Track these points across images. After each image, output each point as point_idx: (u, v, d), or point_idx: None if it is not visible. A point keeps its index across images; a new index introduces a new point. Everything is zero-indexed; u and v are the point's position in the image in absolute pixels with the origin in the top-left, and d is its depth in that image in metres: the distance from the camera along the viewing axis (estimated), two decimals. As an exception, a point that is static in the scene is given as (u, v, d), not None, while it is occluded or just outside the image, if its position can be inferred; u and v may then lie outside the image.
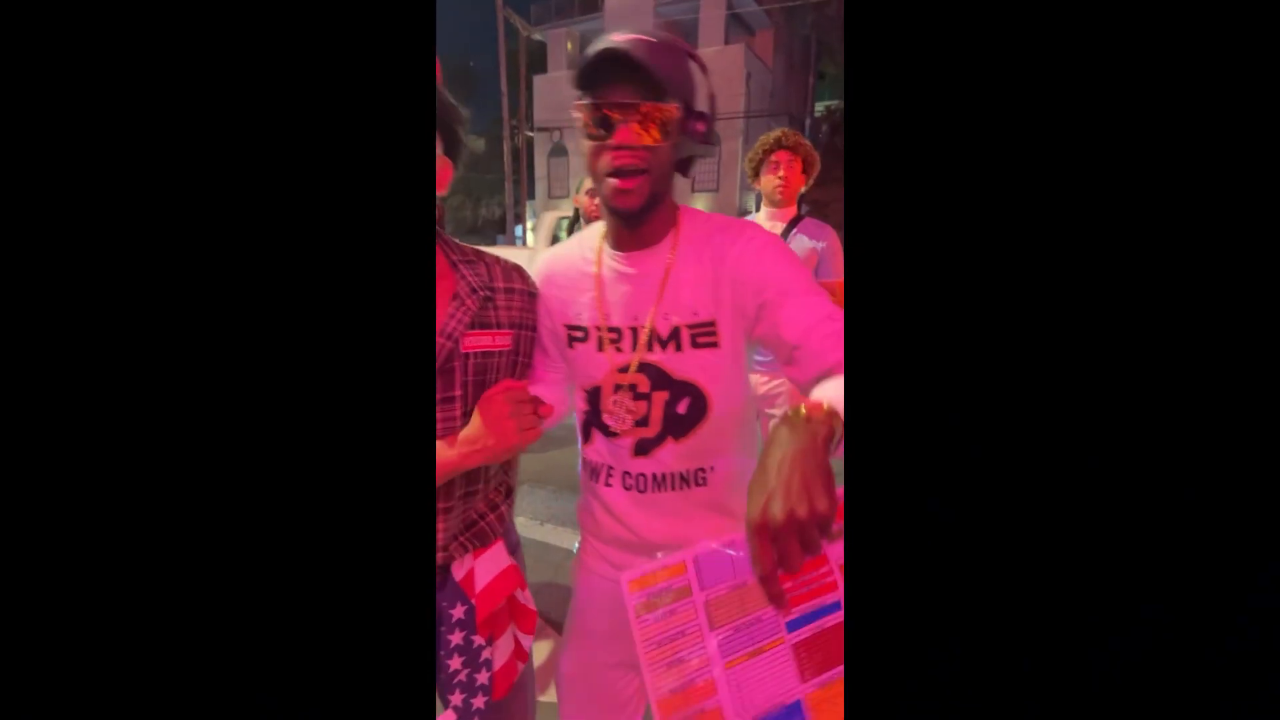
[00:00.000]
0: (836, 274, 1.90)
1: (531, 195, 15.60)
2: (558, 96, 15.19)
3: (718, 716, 0.55)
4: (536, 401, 0.77)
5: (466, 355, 0.76)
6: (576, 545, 0.97)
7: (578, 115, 0.73)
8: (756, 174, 1.96)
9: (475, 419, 0.74)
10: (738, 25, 14.87)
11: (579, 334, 0.84)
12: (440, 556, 0.78)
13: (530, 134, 14.55)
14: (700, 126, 0.75)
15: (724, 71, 13.52)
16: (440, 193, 0.76)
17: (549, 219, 5.04)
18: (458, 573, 0.78)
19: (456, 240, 0.84)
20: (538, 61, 16.28)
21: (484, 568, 0.78)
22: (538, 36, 16.21)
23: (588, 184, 2.15)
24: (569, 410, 0.92)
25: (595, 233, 0.86)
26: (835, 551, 0.56)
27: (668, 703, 0.55)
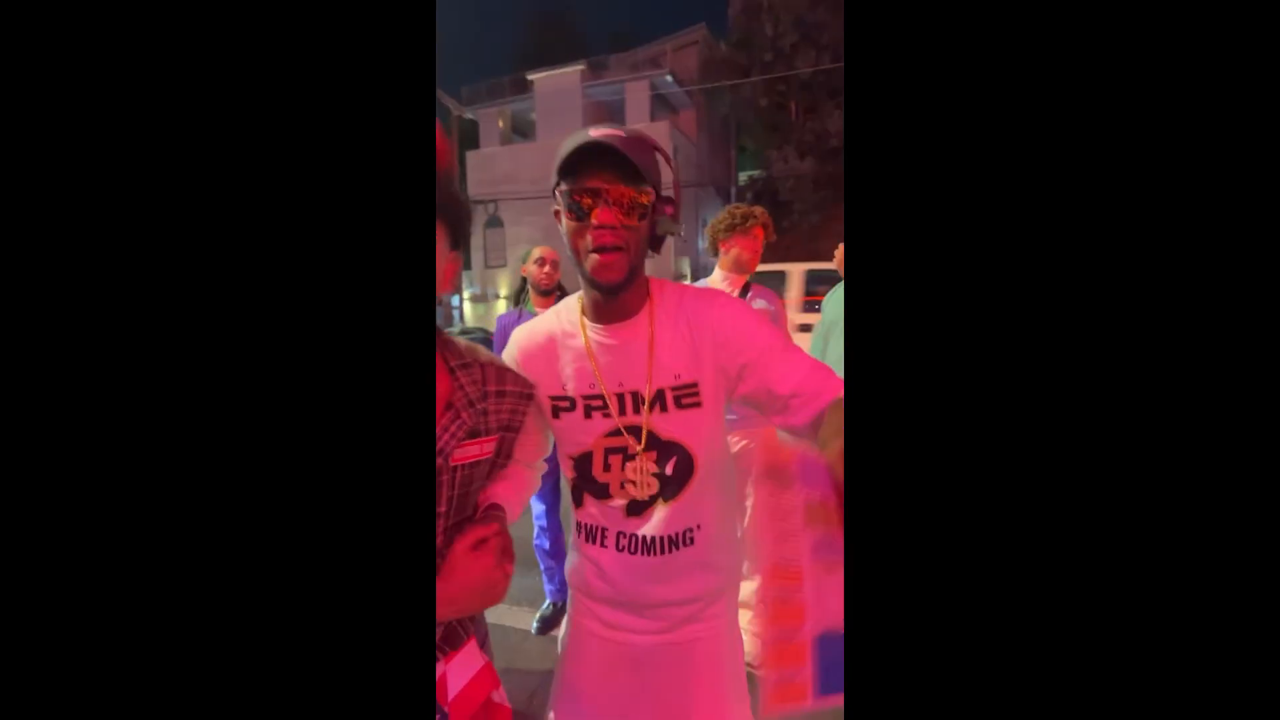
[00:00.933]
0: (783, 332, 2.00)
1: (468, 266, 15.57)
2: (490, 172, 15.49)
3: (799, 609, 0.62)
4: (506, 554, 0.74)
5: (455, 468, 0.73)
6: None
7: (560, 200, 0.78)
8: (728, 236, 2.08)
9: (451, 577, 0.69)
10: (662, 105, 15.82)
11: (565, 404, 0.86)
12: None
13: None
14: (669, 209, 0.82)
15: (651, 146, 14.22)
16: (445, 291, 0.74)
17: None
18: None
19: (453, 339, 0.81)
20: (470, 139, 16.66)
21: (456, 672, 0.71)
22: (469, 115, 16.67)
23: (536, 253, 2.27)
24: (535, 488, 0.94)
25: (571, 307, 0.89)
26: None
27: (769, 571, 0.61)
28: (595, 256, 0.78)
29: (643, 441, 0.83)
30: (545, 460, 0.95)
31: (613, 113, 15.30)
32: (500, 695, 0.77)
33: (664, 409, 0.83)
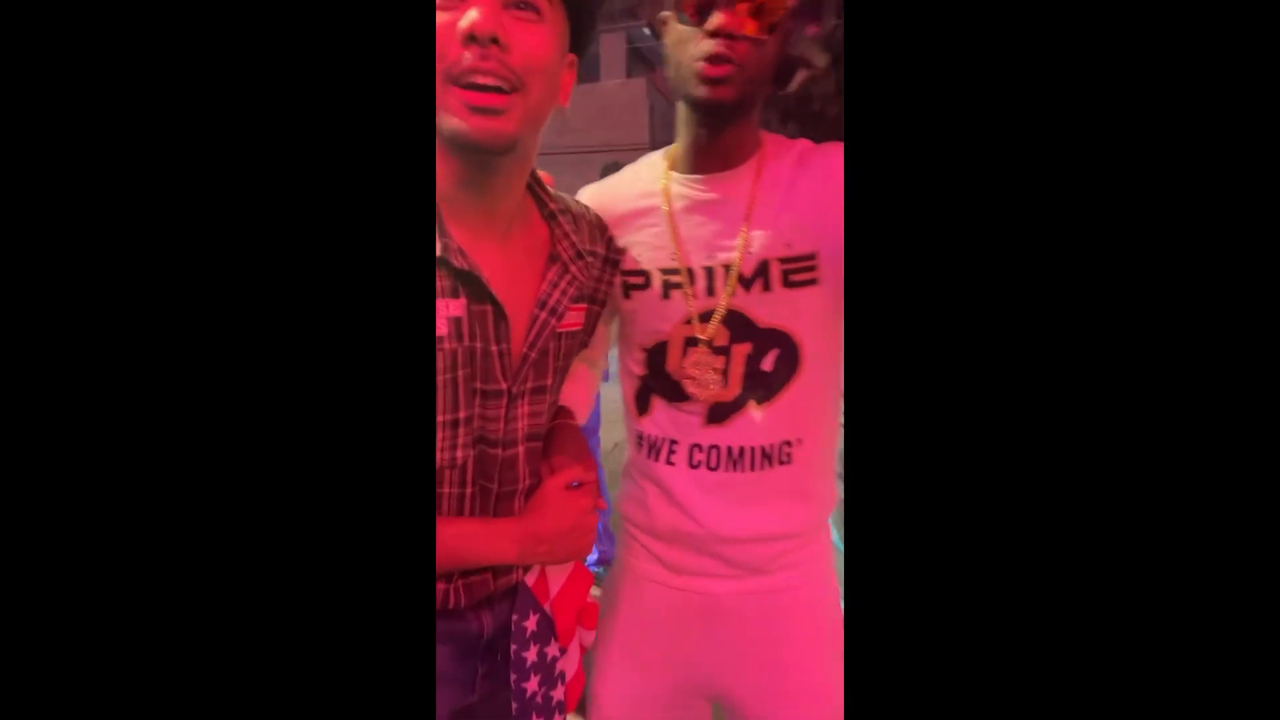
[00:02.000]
0: None
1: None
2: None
3: None
4: (598, 500, 0.66)
5: (559, 335, 0.64)
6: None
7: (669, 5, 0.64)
8: None
9: (544, 515, 0.61)
10: (639, 61, 14.98)
11: (638, 280, 0.71)
12: (511, 576, 0.65)
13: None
14: (814, 28, 0.67)
15: (628, 103, 13.52)
16: (562, 103, 0.63)
17: None
18: (530, 578, 0.65)
19: (543, 184, 0.67)
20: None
21: (554, 573, 0.66)
22: (433, 64, 15.59)
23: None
24: (597, 382, 0.81)
25: (654, 162, 0.74)
26: None
27: None
28: (703, 65, 0.61)
29: (714, 320, 0.66)
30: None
31: (588, 68, 14.45)
32: (596, 592, 0.71)
33: (767, 287, 0.66)
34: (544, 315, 0.61)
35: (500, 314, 0.57)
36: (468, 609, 0.62)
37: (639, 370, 0.72)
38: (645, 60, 15.16)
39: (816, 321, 0.66)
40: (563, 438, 0.67)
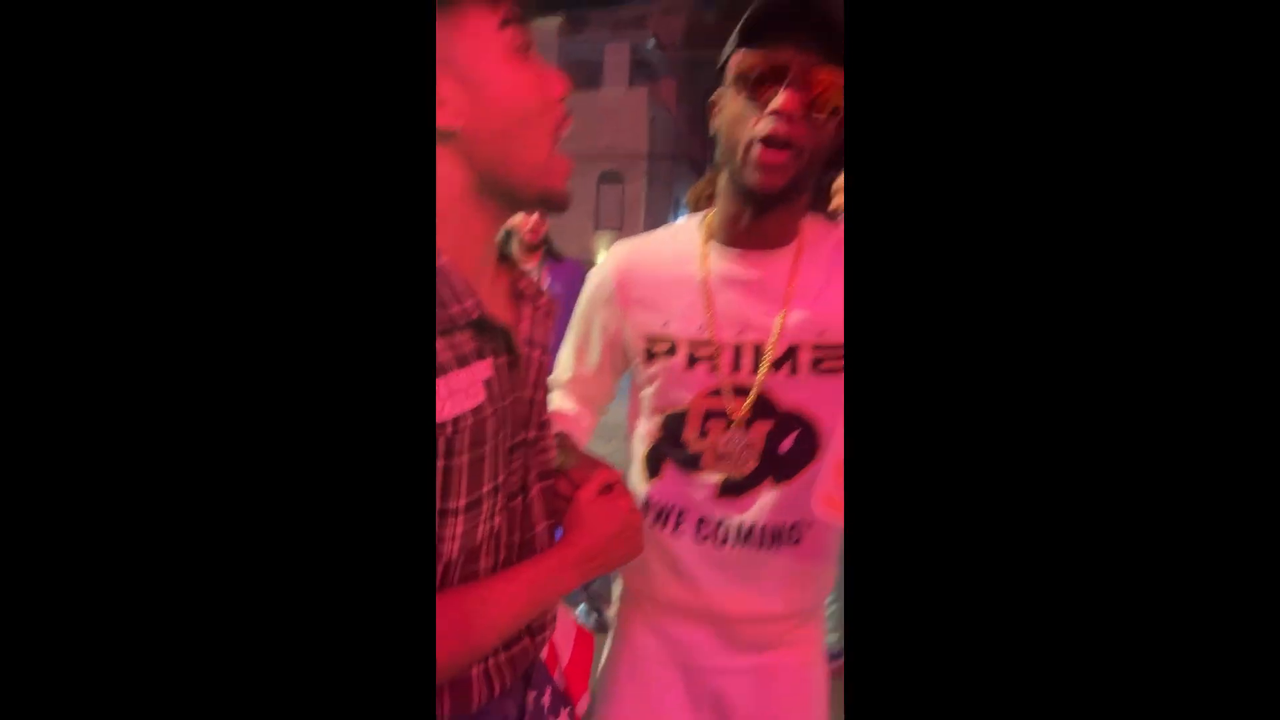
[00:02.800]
0: None
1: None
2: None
3: None
4: (628, 491, 0.62)
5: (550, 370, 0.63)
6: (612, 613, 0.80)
7: (730, 74, 0.63)
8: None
9: (584, 530, 0.57)
10: (642, 70, 14.99)
11: (664, 347, 0.70)
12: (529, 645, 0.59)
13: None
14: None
15: (628, 112, 13.51)
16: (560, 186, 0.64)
17: None
18: (542, 652, 0.61)
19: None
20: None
21: (561, 641, 0.64)
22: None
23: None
24: (593, 423, 0.80)
25: (694, 226, 0.72)
26: None
27: None
28: (759, 148, 0.60)
29: (746, 408, 0.66)
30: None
31: (589, 74, 14.40)
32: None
33: (794, 371, 0.66)
34: (536, 353, 0.57)
35: (515, 361, 0.53)
36: (502, 698, 0.55)
37: (654, 434, 0.71)
38: (648, 70, 15.16)
39: (838, 409, 0.61)
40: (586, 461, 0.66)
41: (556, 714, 0.62)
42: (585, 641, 0.66)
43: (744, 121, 0.61)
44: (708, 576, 0.69)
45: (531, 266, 2.09)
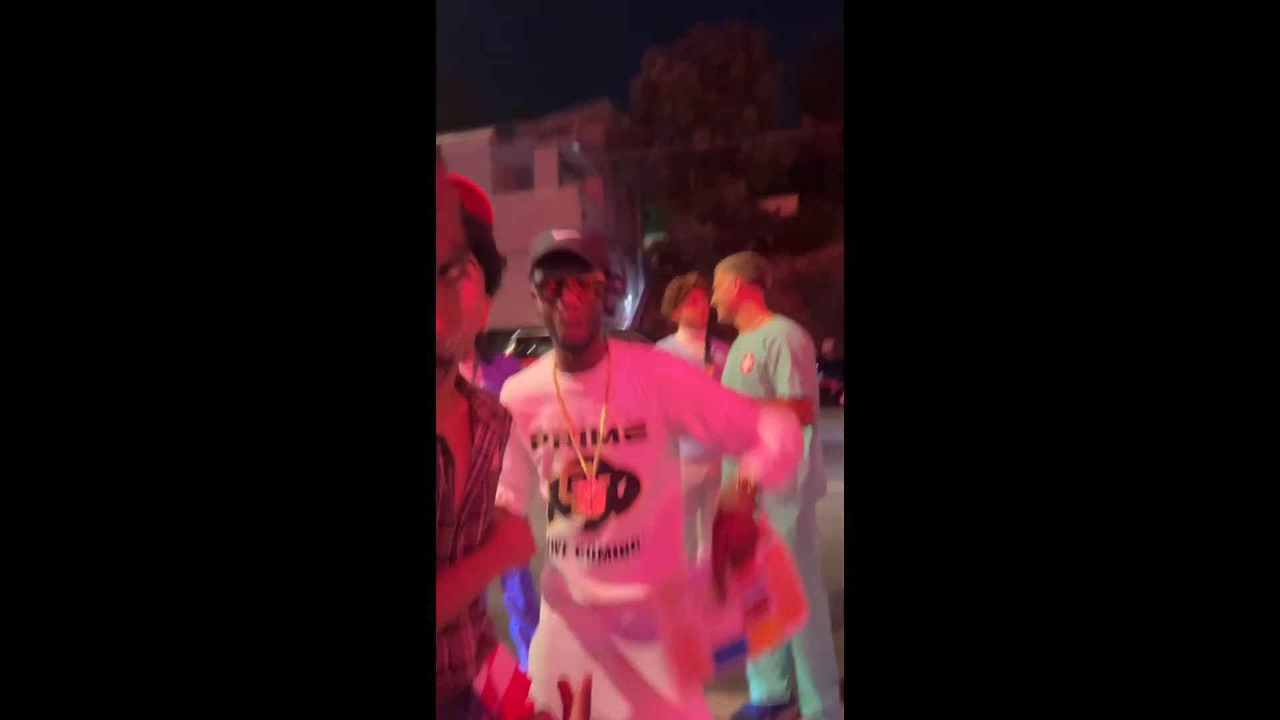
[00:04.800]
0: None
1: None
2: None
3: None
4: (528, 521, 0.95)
5: (492, 472, 0.83)
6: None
7: (535, 287, 1.06)
8: (676, 306, 2.50)
9: (502, 543, 0.85)
10: (569, 171, 16.43)
11: (543, 438, 1.12)
12: (470, 670, 0.79)
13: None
14: (618, 284, 1.12)
15: (560, 210, 14.65)
16: (481, 327, 0.89)
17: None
18: (479, 686, 0.76)
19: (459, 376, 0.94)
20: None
21: (499, 672, 0.78)
22: (373, 175, 16.34)
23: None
24: (526, 505, 1.17)
25: (546, 365, 1.16)
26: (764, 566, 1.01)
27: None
28: (565, 327, 1.05)
29: (595, 468, 1.09)
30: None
31: (521, 177, 15.67)
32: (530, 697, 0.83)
33: (616, 441, 1.08)
34: (479, 460, 0.79)
35: (451, 461, 0.75)
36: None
37: (547, 494, 1.14)
38: (574, 171, 16.65)
39: (648, 462, 1.08)
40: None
41: None
42: (521, 680, 0.77)
43: (550, 311, 1.05)
44: (586, 581, 1.10)
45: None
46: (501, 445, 0.89)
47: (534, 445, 1.13)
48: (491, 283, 0.85)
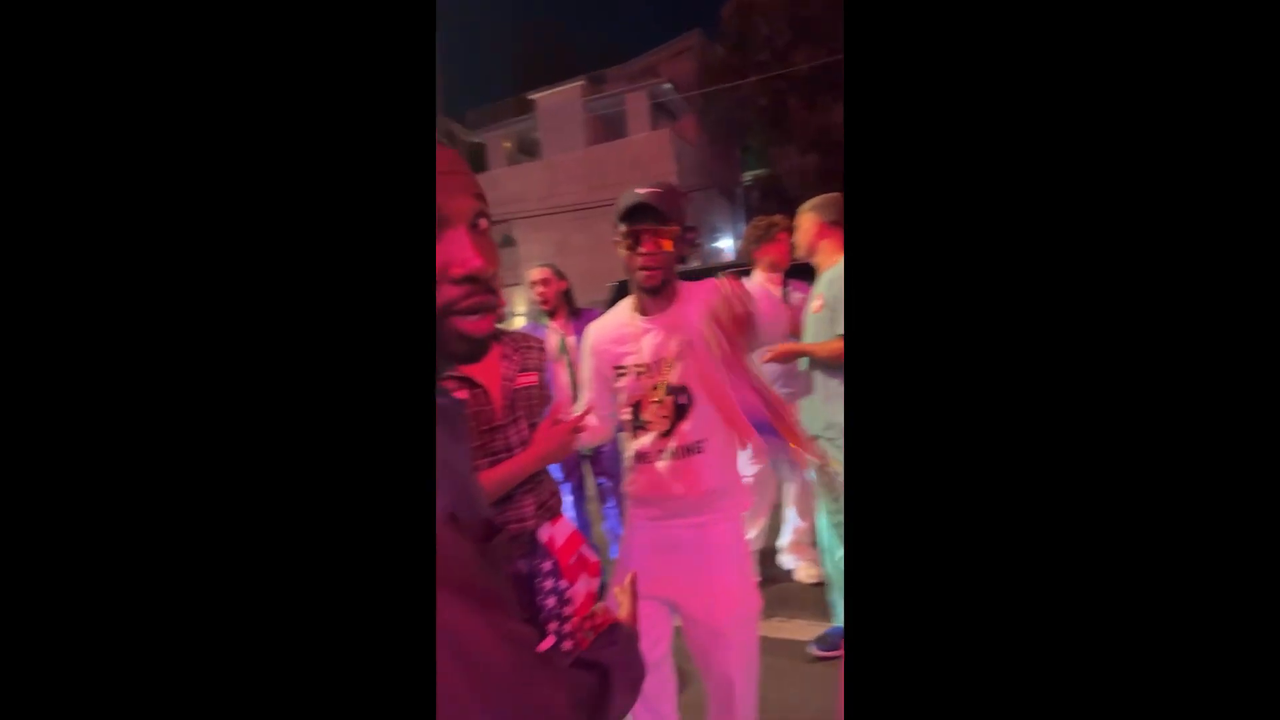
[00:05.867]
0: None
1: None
2: (500, 192, 15.70)
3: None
4: (577, 428, 1.29)
5: (517, 390, 1.29)
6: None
7: (619, 237, 1.27)
8: (759, 246, 2.54)
9: (539, 442, 1.27)
10: (662, 113, 15.95)
11: (623, 371, 1.34)
12: (531, 524, 1.24)
13: (476, 230, 14.73)
14: (691, 235, 1.32)
15: (653, 154, 14.35)
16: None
17: None
18: (542, 536, 1.07)
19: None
20: (477, 163, 16.93)
21: (559, 532, 1.08)
22: (476, 140, 16.95)
23: (529, 276, 2.60)
24: (614, 429, 1.44)
25: (626, 306, 1.38)
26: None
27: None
28: (641, 271, 1.26)
29: (663, 393, 1.30)
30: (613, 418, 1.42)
31: (614, 125, 15.47)
32: (588, 551, 1.06)
33: (678, 366, 1.29)
34: (506, 383, 1.29)
35: (485, 390, 1.27)
36: (517, 557, 1.22)
37: (628, 416, 1.35)
38: (667, 112, 16.13)
39: (696, 377, 1.29)
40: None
41: (556, 577, 1.10)
42: (576, 538, 1.04)
43: (631, 259, 1.27)
44: (663, 478, 1.30)
45: (557, 325, 2.52)
46: (527, 370, 1.33)
47: (616, 377, 1.35)
48: None
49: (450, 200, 0.49)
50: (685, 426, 1.28)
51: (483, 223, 0.53)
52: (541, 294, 2.53)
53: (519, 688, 0.42)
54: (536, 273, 2.53)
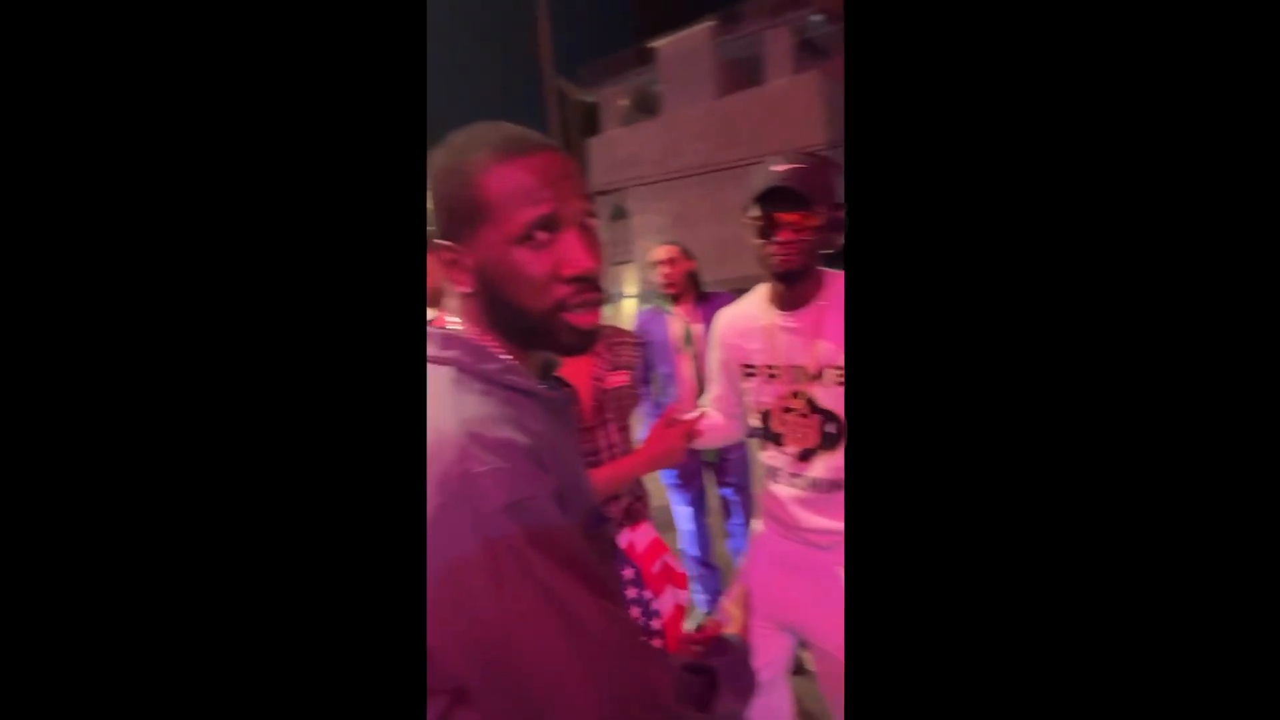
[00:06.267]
0: None
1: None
2: (613, 156, 13.97)
3: None
4: (693, 433, 1.18)
5: (607, 390, 1.21)
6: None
7: (751, 223, 1.10)
8: None
9: (650, 445, 1.15)
10: (808, 51, 13.10)
11: (751, 370, 1.19)
12: (614, 530, 1.13)
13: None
14: (839, 214, 1.08)
15: (798, 102, 11.74)
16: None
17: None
18: (622, 543, 1.12)
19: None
20: (589, 125, 15.30)
21: (640, 539, 1.14)
22: (589, 99, 15.28)
23: (654, 254, 2.21)
24: (743, 430, 1.31)
25: (761, 294, 1.20)
26: None
27: None
28: (775, 257, 1.07)
29: (804, 405, 1.12)
30: (739, 420, 1.28)
31: (750, 70, 12.93)
32: (674, 561, 1.17)
33: (825, 382, 1.10)
34: (596, 384, 1.19)
35: (575, 391, 0.81)
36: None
37: (757, 424, 1.20)
38: (816, 50, 13.21)
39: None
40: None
41: (639, 587, 1.09)
42: (659, 546, 1.15)
43: (765, 248, 1.08)
44: (794, 507, 1.15)
45: (681, 312, 2.18)
46: (619, 367, 1.22)
47: (744, 377, 1.19)
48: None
49: (563, 203, 0.53)
50: (833, 459, 1.09)
51: (591, 221, 0.56)
52: (667, 276, 2.16)
53: (627, 667, 0.44)
54: (661, 251, 2.18)
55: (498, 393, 0.52)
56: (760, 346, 1.13)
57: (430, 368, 0.53)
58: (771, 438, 1.14)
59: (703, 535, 2.20)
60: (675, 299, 2.16)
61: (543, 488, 0.46)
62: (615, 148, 14.02)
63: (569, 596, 0.42)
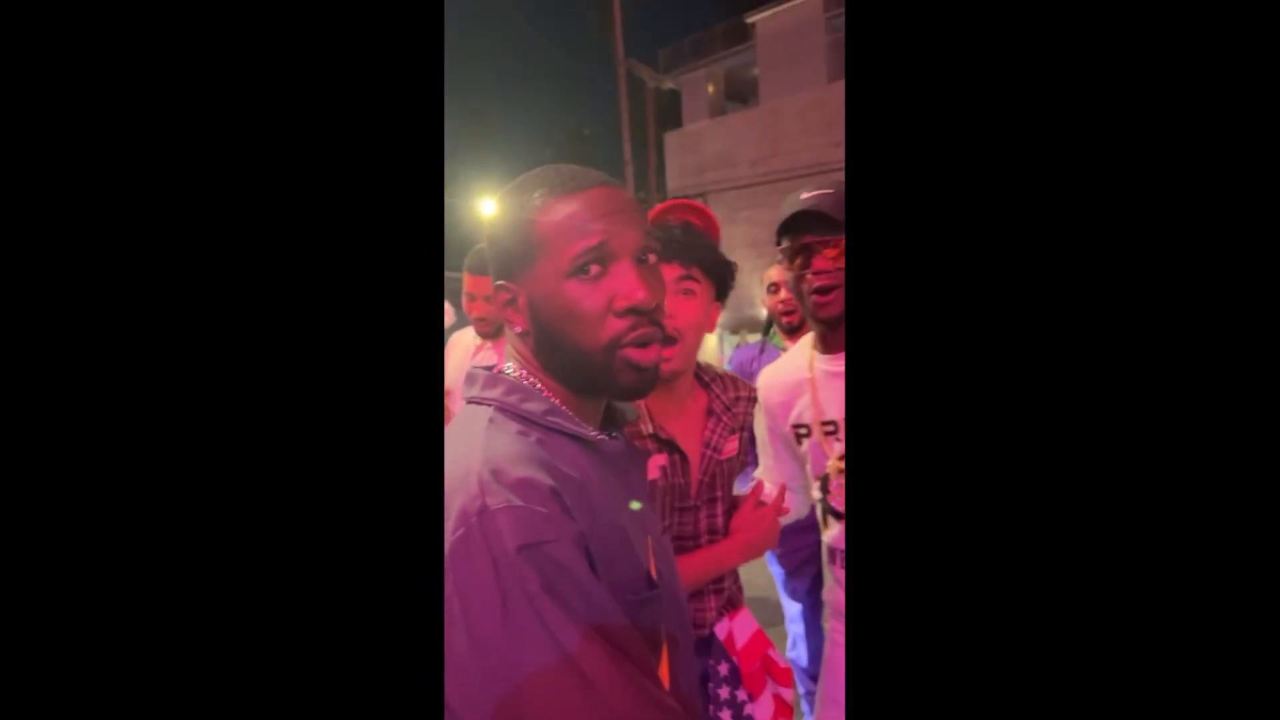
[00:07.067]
0: None
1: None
2: (696, 155, 11.80)
3: None
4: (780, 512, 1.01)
5: (722, 461, 0.99)
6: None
7: (782, 253, 0.98)
8: None
9: (745, 529, 0.97)
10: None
11: (803, 431, 1.04)
12: (712, 623, 0.96)
13: (664, 206, 11.37)
14: None
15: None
16: (710, 331, 0.98)
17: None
18: (720, 633, 0.94)
19: (705, 363, 1.04)
20: (670, 114, 13.15)
21: (740, 630, 0.96)
22: (669, 85, 13.13)
23: (768, 276, 1.88)
24: (807, 506, 1.11)
25: (805, 343, 1.08)
26: None
27: None
28: (815, 297, 0.94)
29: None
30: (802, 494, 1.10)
31: (794, 71, 10.48)
32: (777, 655, 1.00)
33: None
34: (709, 452, 0.97)
35: (684, 459, 0.91)
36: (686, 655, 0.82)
37: (817, 494, 1.03)
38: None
39: None
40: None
41: (734, 685, 0.91)
42: (761, 638, 0.96)
43: (799, 281, 0.95)
44: None
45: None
46: (734, 432, 1.01)
47: (797, 440, 1.05)
48: (722, 290, 0.99)
49: (615, 235, 0.53)
50: None
51: (651, 257, 0.56)
52: (785, 303, 1.75)
53: None
54: (774, 271, 1.76)
55: (536, 434, 0.52)
56: (809, 401, 1.01)
57: (469, 407, 0.56)
58: (833, 513, 0.99)
59: (813, 641, 1.71)
60: (795, 330, 1.72)
61: (562, 532, 0.45)
62: (700, 143, 11.80)
63: (581, 653, 0.42)
